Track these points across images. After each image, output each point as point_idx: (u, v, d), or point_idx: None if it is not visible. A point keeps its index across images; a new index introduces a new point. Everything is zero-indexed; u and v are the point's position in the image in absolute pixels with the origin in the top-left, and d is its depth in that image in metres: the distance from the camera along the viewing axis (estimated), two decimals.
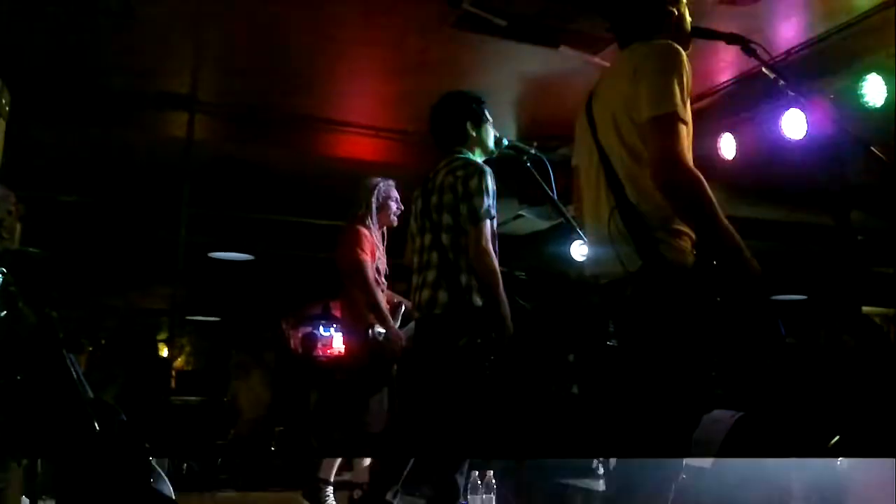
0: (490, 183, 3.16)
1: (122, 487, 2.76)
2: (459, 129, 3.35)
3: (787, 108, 4.44)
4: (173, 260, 5.33)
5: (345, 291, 4.42)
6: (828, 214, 6.53)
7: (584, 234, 2.47)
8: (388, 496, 3.39)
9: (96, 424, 2.69)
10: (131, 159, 6.32)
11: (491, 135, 3.41)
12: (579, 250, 6.17)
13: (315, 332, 9.10)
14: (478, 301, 3.12)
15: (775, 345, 2.09)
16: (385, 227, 4.46)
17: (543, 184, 3.36)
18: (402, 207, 4.38)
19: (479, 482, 3.61)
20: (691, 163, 2.06)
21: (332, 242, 4.64)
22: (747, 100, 4.78)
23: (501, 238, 3.26)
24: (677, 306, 2.04)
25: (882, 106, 4.14)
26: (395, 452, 3.48)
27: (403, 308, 4.33)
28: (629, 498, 2.15)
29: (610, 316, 2.19)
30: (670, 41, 2.22)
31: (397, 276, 4.42)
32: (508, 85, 5.09)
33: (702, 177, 2.02)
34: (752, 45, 2.40)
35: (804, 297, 8.85)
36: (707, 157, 4.88)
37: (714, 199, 2.00)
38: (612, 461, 3.07)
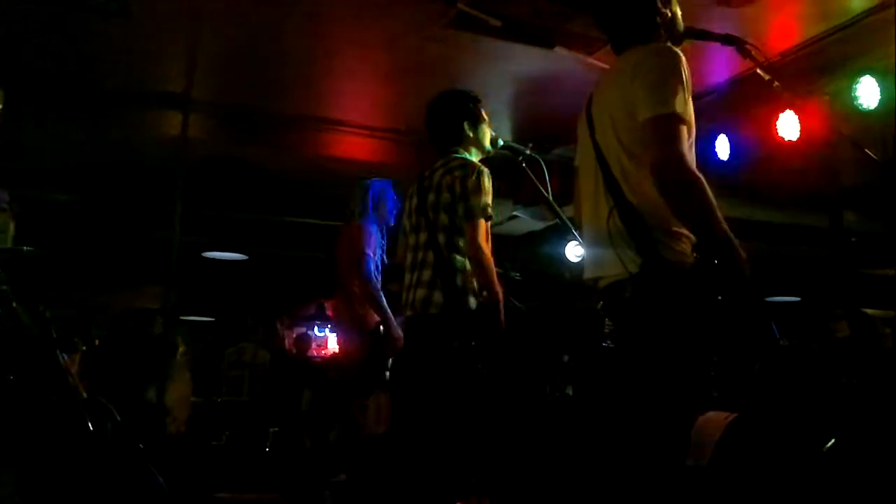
0: (488, 182, 3.16)
1: (117, 487, 2.75)
2: (456, 128, 3.34)
3: (782, 110, 4.46)
4: (167, 259, 5.32)
5: (342, 289, 4.41)
6: (821, 215, 6.55)
7: (581, 235, 2.47)
8: None
9: (90, 424, 2.68)
10: (125, 158, 6.30)
11: (487, 135, 3.41)
12: (574, 251, 6.19)
13: (309, 332, 9.10)
14: (472, 303, 3.12)
15: (769, 347, 2.09)
16: (382, 227, 4.46)
17: (538, 184, 3.36)
18: (399, 207, 4.39)
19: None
20: (692, 164, 2.06)
21: (327, 242, 4.63)
22: (742, 101, 4.79)
23: (496, 238, 3.26)
24: (677, 308, 2.04)
25: (875, 108, 4.15)
26: (389, 454, 3.48)
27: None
28: None
29: (609, 317, 2.19)
30: (671, 45, 2.22)
31: (390, 278, 4.42)
32: (504, 85, 5.09)
33: (702, 179, 2.02)
34: (748, 47, 2.40)
35: (797, 298, 8.88)
36: (702, 157, 4.88)
37: (713, 201, 2.00)
38: None
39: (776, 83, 2.54)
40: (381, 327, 4.15)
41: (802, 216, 7.03)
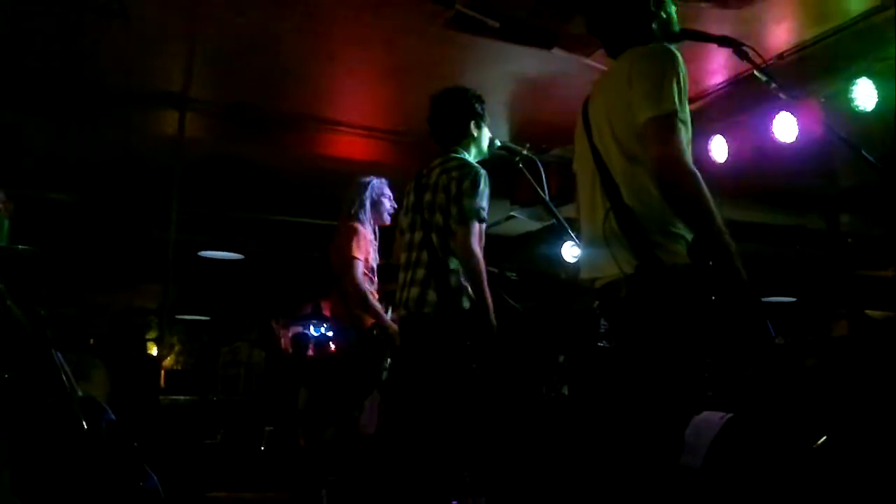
0: (484, 185, 3.16)
1: (111, 486, 2.75)
2: (462, 127, 3.34)
3: (779, 112, 4.46)
4: (163, 258, 5.31)
5: (337, 289, 4.42)
6: (818, 217, 6.56)
7: (579, 236, 2.47)
8: None
9: (84, 423, 2.67)
10: (122, 157, 6.29)
11: (486, 135, 3.41)
12: (571, 251, 6.19)
13: (305, 331, 9.08)
14: (466, 303, 3.12)
15: (765, 347, 2.10)
16: (378, 226, 4.46)
17: (535, 185, 3.36)
18: (396, 206, 4.39)
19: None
20: (690, 162, 2.07)
21: (323, 242, 4.63)
22: (739, 103, 4.80)
23: (493, 239, 3.26)
24: (671, 308, 2.05)
25: (872, 110, 4.16)
26: (385, 453, 3.48)
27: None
28: None
29: (604, 317, 2.19)
30: (668, 45, 2.23)
31: (386, 278, 4.42)
32: (501, 86, 5.08)
33: (700, 178, 2.02)
34: (744, 48, 2.41)
35: (794, 299, 8.89)
36: (698, 159, 4.89)
37: (711, 202, 2.01)
38: None
39: (773, 85, 2.54)
40: (375, 330, 4.15)
41: (799, 218, 7.03)
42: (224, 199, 7.20)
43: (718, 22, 3.89)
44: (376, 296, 4.28)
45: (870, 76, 4.17)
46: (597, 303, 2.24)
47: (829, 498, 3.34)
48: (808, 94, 4.21)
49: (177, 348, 10.06)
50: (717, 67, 4.70)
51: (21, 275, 2.76)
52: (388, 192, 4.48)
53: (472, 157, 3.35)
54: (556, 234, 6.00)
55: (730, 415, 3.80)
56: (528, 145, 3.47)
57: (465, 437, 3.20)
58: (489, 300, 3.11)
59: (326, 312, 8.61)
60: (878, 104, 4.16)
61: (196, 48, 4.76)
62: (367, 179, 4.48)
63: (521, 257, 7.58)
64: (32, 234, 3.30)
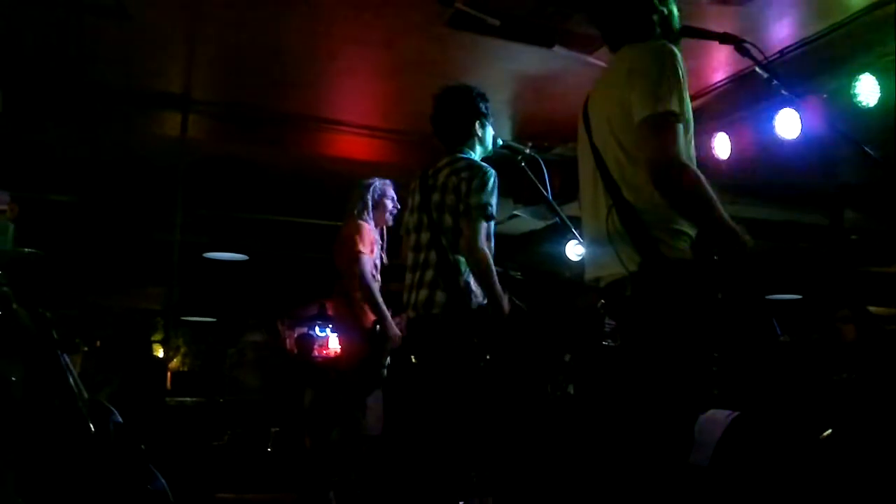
0: (493, 184, 3.15)
1: (118, 488, 2.75)
2: (467, 126, 3.33)
3: (781, 108, 4.45)
4: (168, 260, 5.32)
5: (340, 288, 4.42)
6: (821, 213, 6.55)
7: (582, 234, 2.47)
8: None
9: (91, 426, 2.68)
10: (125, 159, 6.30)
11: (490, 134, 3.41)
12: (574, 250, 6.19)
13: (311, 332, 9.10)
14: (475, 304, 3.12)
15: (771, 344, 2.10)
16: (381, 226, 4.46)
17: (538, 183, 3.36)
18: (399, 206, 4.39)
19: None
20: (689, 160, 2.06)
21: (327, 242, 4.63)
22: (741, 99, 4.79)
23: (496, 238, 3.26)
24: (676, 305, 2.04)
25: (875, 105, 4.15)
26: (391, 453, 3.48)
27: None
28: None
29: (610, 316, 2.19)
30: (666, 42, 2.22)
31: (391, 277, 4.42)
32: (503, 84, 5.08)
33: (700, 174, 2.02)
34: (746, 45, 2.40)
35: (798, 296, 8.87)
36: (701, 156, 4.88)
37: (713, 196, 2.00)
38: None
39: (775, 81, 2.54)
40: (377, 326, 4.15)
41: (802, 214, 7.02)
42: (228, 200, 7.21)
43: (720, 18, 3.89)
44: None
45: (872, 72, 4.16)
46: (602, 301, 2.24)
47: (836, 495, 3.34)
48: (811, 91, 4.21)
49: (182, 350, 10.08)
50: (719, 64, 4.70)
51: (26, 277, 2.77)
52: (391, 193, 4.48)
53: (476, 156, 3.34)
54: (560, 233, 5.99)
55: (736, 413, 3.81)
56: (530, 144, 3.47)
57: (473, 436, 3.20)
58: (500, 294, 3.11)
59: (330, 313, 8.62)
60: (880, 100, 4.15)
61: (198, 49, 4.77)
62: (370, 181, 4.49)
63: (525, 256, 7.58)
64: (36, 236, 3.31)
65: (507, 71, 4.87)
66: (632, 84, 2.13)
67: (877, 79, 4.16)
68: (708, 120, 4.94)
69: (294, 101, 5.48)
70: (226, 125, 5.71)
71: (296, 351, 8.85)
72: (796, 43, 4.32)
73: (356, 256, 4.19)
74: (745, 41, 2.39)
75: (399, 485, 3.51)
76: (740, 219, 2.06)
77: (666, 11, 2.34)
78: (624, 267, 2.10)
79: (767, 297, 2.07)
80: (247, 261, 9.03)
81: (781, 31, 4.28)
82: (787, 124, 4.47)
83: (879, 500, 3.26)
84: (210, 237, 8.14)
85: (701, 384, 2.13)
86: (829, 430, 3.52)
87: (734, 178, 5.16)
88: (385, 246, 4.45)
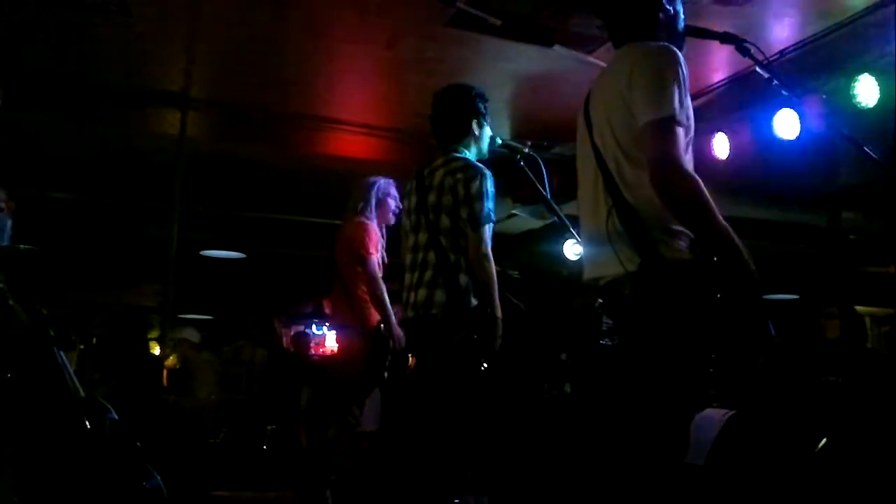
0: (490, 186, 3.15)
1: (114, 486, 2.75)
2: (464, 125, 3.32)
3: (780, 108, 4.45)
4: (165, 258, 5.32)
5: (341, 286, 4.41)
6: (819, 214, 6.56)
7: (580, 233, 2.47)
8: None
9: (87, 423, 2.68)
10: (123, 156, 6.30)
11: (488, 134, 3.40)
12: (572, 249, 6.19)
13: (307, 330, 9.08)
14: (474, 301, 3.12)
15: (766, 344, 2.09)
16: (384, 225, 4.46)
17: (537, 183, 3.36)
18: (401, 205, 4.39)
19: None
20: (689, 166, 2.06)
21: (325, 240, 4.62)
22: (740, 99, 4.79)
23: (495, 237, 3.25)
24: (674, 305, 2.04)
25: (874, 106, 4.15)
26: (388, 452, 3.48)
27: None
28: None
29: (608, 315, 2.18)
30: (667, 43, 2.22)
31: (389, 276, 4.42)
32: (503, 84, 5.08)
33: (699, 180, 2.02)
34: (746, 45, 2.40)
35: (795, 296, 8.88)
36: (700, 156, 4.88)
37: (711, 203, 2.00)
38: None
39: (775, 81, 2.53)
40: (382, 326, 4.15)
41: (800, 214, 7.03)
42: (226, 198, 7.20)
43: (720, 18, 3.89)
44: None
45: (871, 72, 4.16)
46: (600, 301, 2.24)
47: (831, 494, 3.34)
48: (810, 91, 4.21)
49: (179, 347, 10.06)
50: (719, 64, 4.70)
51: (23, 274, 2.76)
52: (393, 192, 4.47)
53: (472, 155, 3.33)
54: (558, 232, 5.99)
55: (732, 412, 3.81)
56: (529, 143, 3.47)
57: (470, 435, 3.20)
58: (498, 309, 3.12)
59: (327, 311, 8.61)
60: (879, 100, 4.15)
61: (197, 47, 4.77)
62: (374, 179, 4.48)
63: (523, 255, 7.58)
64: (34, 233, 3.30)
65: (507, 70, 4.87)
66: (633, 86, 2.12)
67: (876, 79, 4.16)
68: (707, 120, 4.94)
69: (293, 99, 5.47)
70: (224, 123, 5.71)
71: (292, 349, 8.83)
72: (796, 43, 4.32)
73: (366, 258, 4.18)
74: (745, 41, 2.38)
75: (395, 482, 3.50)
76: (739, 219, 2.06)
77: (672, 11, 2.33)
78: (623, 267, 2.10)
79: (764, 297, 2.06)
80: (244, 259, 9.03)
81: (781, 32, 4.28)
82: (786, 124, 4.47)
83: (873, 498, 3.27)
84: (208, 235, 8.13)
85: (697, 384, 2.13)
86: (824, 441, 3.53)
87: (733, 178, 5.16)
88: (385, 245, 4.45)
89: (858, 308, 5.46)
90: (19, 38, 4.54)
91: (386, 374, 4.23)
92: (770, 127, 4.54)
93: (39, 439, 2.66)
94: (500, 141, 3.47)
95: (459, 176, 3.16)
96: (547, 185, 3.37)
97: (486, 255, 3.10)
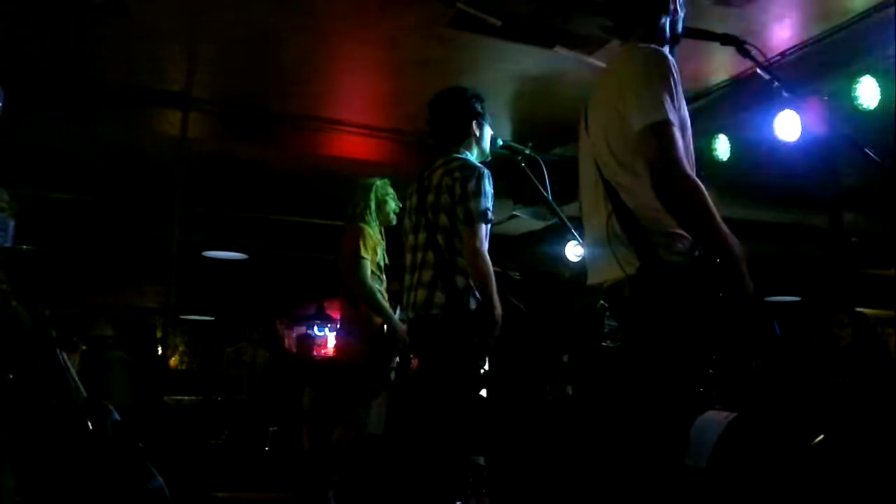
0: (488, 185, 3.15)
1: (116, 487, 2.75)
2: (462, 126, 3.33)
3: (782, 110, 4.45)
4: (167, 259, 5.32)
5: (345, 289, 4.42)
6: (821, 216, 6.56)
7: (582, 235, 2.47)
8: None
9: (90, 424, 2.68)
10: (125, 157, 6.30)
11: (488, 135, 3.40)
12: (573, 250, 6.19)
13: (310, 332, 9.09)
14: (473, 303, 3.12)
15: (770, 346, 2.10)
16: (384, 226, 4.47)
17: (538, 184, 3.36)
18: (401, 205, 4.39)
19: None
20: (688, 169, 2.06)
21: (327, 242, 4.63)
22: (742, 101, 4.79)
23: (496, 238, 3.26)
24: (674, 308, 2.04)
25: (876, 108, 4.15)
26: (390, 454, 3.48)
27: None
28: None
29: (609, 318, 2.19)
30: (656, 47, 2.22)
31: (390, 277, 4.43)
32: (503, 85, 5.08)
33: (699, 183, 2.02)
34: (747, 47, 2.40)
35: (797, 298, 8.88)
36: (701, 158, 4.89)
37: (712, 206, 2.00)
38: None
39: (776, 83, 2.53)
40: (385, 328, 4.16)
41: (802, 216, 7.03)
42: (227, 199, 7.21)
43: (721, 20, 3.89)
44: (385, 295, 4.29)
45: (873, 74, 4.16)
46: (602, 303, 2.24)
47: (833, 497, 3.34)
48: (812, 92, 4.21)
49: (181, 349, 10.08)
50: (720, 66, 4.70)
51: (25, 275, 2.76)
52: (392, 192, 4.48)
53: (474, 156, 3.33)
54: (559, 234, 5.99)
55: (734, 414, 3.81)
56: (530, 144, 3.47)
57: (472, 437, 3.20)
58: (497, 304, 3.10)
59: (330, 312, 8.62)
60: (881, 102, 4.15)
61: (198, 48, 4.77)
62: (371, 181, 4.49)
63: (524, 257, 7.58)
64: (36, 234, 3.30)
65: (508, 71, 4.87)
66: (624, 93, 2.13)
67: (877, 81, 4.16)
68: (708, 121, 4.94)
69: (294, 100, 5.47)
70: (226, 124, 5.71)
71: (295, 350, 8.84)
72: (797, 45, 4.32)
73: (357, 262, 4.19)
74: (746, 42, 2.38)
75: (397, 484, 3.51)
76: (740, 220, 2.06)
77: (674, 16, 2.34)
78: (622, 270, 2.10)
79: (767, 299, 2.07)
80: (246, 260, 9.03)
81: (782, 33, 4.28)
82: (788, 126, 4.47)
83: (875, 501, 3.26)
84: (209, 236, 8.14)
85: (696, 386, 2.14)
86: (821, 437, 3.52)
87: (734, 179, 5.16)
88: (385, 247, 4.45)
89: (861, 311, 5.45)
90: (20, 39, 4.54)
91: (392, 377, 4.23)
92: (771, 129, 4.54)
93: (42, 440, 2.66)
94: (501, 142, 3.47)
95: (457, 175, 3.17)
96: (548, 186, 3.38)
97: (479, 253, 3.07)
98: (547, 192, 3.36)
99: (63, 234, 7.10)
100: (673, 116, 2.06)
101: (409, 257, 3.33)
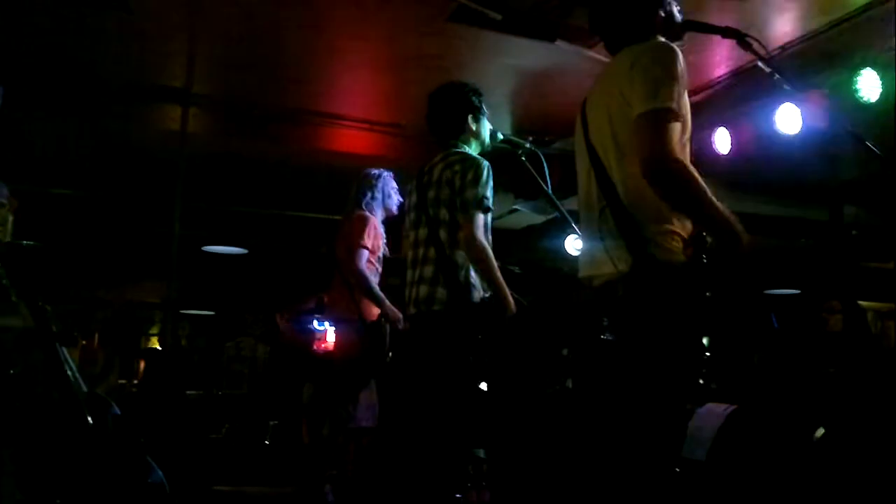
0: (486, 175, 3.13)
1: (117, 481, 2.76)
2: (460, 121, 3.32)
3: (782, 103, 4.45)
4: (167, 253, 5.32)
5: (340, 279, 4.42)
6: (821, 209, 6.55)
7: (579, 232, 2.48)
8: None
9: (90, 418, 2.68)
10: (125, 152, 6.30)
11: (487, 128, 3.40)
12: (574, 244, 6.19)
13: (310, 326, 9.08)
14: (476, 298, 3.11)
15: (768, 339, 2.10)
16: (387, 217, 4.47)
17: (538, 178, 3.35)
18: (402, 198, 4.39)
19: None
20: (682, 157, 2.06)
21: (327, 236, 4.63)
22: (742, 94, 4.79)
23: (496, 232, 3.25)
24: (667, 305, 2.05)
25: (877, 101, 4.15)
26: (388, 447, 3.48)
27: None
28: None
29: (604, 315, 2.19)
30: (665, 40, 2.22)
31: (390, 272, 4.43)
32: (504, 79, 5.08)
33: (692, 168, 2.01)
34: (748, 40, 2.39)
35: (797, 291, 8.88)
36: (702, 151, 4.89)
37: (707, 190, 2.00)
38: None
39: (777, 76, 2.53)
40: (383, 319, 4.15)
41: (802, 209, 7.03)
42: (227, 194, 7.21)
43: (721, 13, 3.88)
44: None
45: (874, 67, 4.16)
46: (595, 301, 2.25)
47: (833, 489, 3.35)
48: (812, 86, 4.21)
49: (182, 343, 10.08)
50: (721, 59, 4.69)
51: (25, 270, 2.76)
52: (394, 184, 4.49)
53: (473, 150, 3.33)
54: (560, 227, 5.99)
55: (733, 407, 3.81)
56: (530, 138, 3.47)
57: (472, 430, 3.20)
58: (503, 287, 3.09)
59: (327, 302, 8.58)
60: (882, 95, 4.15)
61: (199, 43, 4.76)
62: (376, 171, 4.49)
63: (525, 251, 7.58)
64: (36, 229, 3.30)
65: (508, 65, 4.86)
66: (632, 80, 2.13)
67: (878, 74, 4.16)
68: (709, 114, 4.93)
69: (294, 95, 5.47)
70: (226, 119, 5.71)
71: (295, 345, 8.83)
72: (798, 38, 4.31)
73: (356, 250, 4.19)
74: (747, 35, 2.38)
75: (397, 478, 3.51)
76: (740, 213, 2.06)
77: (664, 13, 2.33)
78: (615, 267, 2.11)
79: (764, 291, 2.07)
80: (246, 254, 9.04)
81: (783, 26, 4.27)
82: (788, 119, 4.46)
83: (875, 494, 3.27)
84: (209, 231, 8.14)
85: (689, 382, 2.14)
86: (822, 431, 3.52)
87: (734, 173, 5.16)
88: (387, 239, 4.45)
89: (861, 303, 5.46)
90: (21, 36, 4.54)
91: (382, 369, 4.23)
92: (772, 122, 4.54)
93: (43, 435, 2.67)
94: (501, 136, 3.47)
95: (457, 168, 3.16)
96: (548, 180, 3.37)
97: (476, 239, 3.05)
98: (547, 185, 3.36)
99: (64, 229, 7.10)
100: (676, 107, 2.06)
101: (410, 253, 3.33)
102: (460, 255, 3.13)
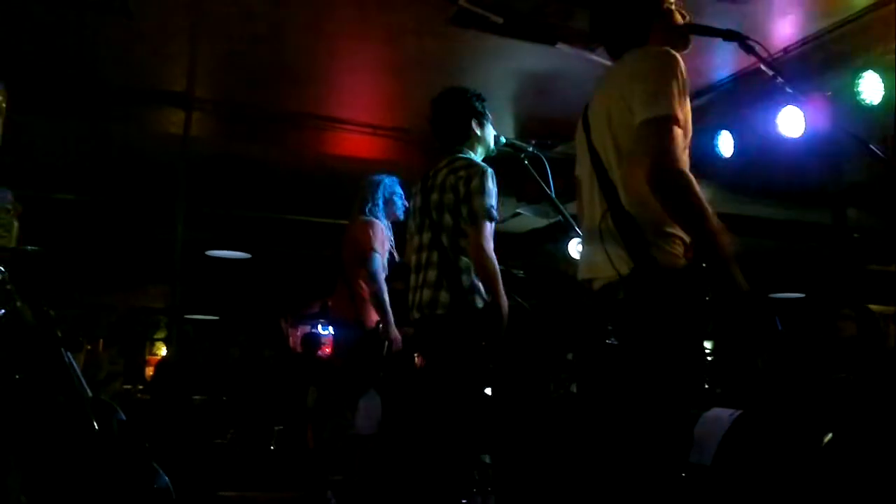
0: (492, 183, 3.14)
1: (122, 486, 2.76)
2: (463, 126, 3.32)
3: (785, 106, 4.45)
4: (171, 258, 5.33)
5: (343, 284, 4.41)
6: (825, 212, 6.54)
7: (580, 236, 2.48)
8: None
9: (95, 423, 2.68)
10: (128, 157, 6.31)
11: (491, 133, 3.40)
12: (577, 248, 6.19)
13: (314, 331, 9.10)
14: (479, 302, 3.12)
15: (773, 342, 2.09)
16: (392, 222, 4.47)
17: (541, 182, 3.35)
18: (407, 203, 4.40)
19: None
20: (684, 166, 2.06)
21: (330, 240, 4.63)
22: (745, 97, 4.78)
23: (499, 236, 3.24)
24: (669, 310, 2.05)
25: (879, 103, 4.14)
26: (392, 453, 3.48)
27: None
28: None
29: (604, 319, 2.19)
30: (667, 47, 2.22)
31: (394, 276, 4.42)
32: (506, 82, 5.08)
33: (692, 181, 2.02)
34: (750, 42, 2.39)
35: (801, 295, 8.87)
36: (704, 154, 4.89)
37: (705, 204, 2.00)
38: None
39: (779, 79, 2.53)
40: (380, 327, 4.14)
41: (805, 212, 7.02)
42: (230, 198, 7.21)
43: (723, 16, 3.88)
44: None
45: (876, 69, 4.15)
46: (596, 305, 2.25)
47: (839, 495, 3.34)
48: (815, 88, 4.20)
49: (189, 347, 10.09)
50: (723, 62, 4.69)
51: (30, 275, 2.77)
52: (399, 189, 4.49)
53: (477, 155, 3.34)
54: (563, 231, 5.97)
55: (739, 412, 3.80)
56: (533, 142, 3.46)
57: (477, 436, 3.20)
58: (504, 301, 3.10)
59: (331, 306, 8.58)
60: (884, 97, 4.14)
61: (200, 47, 4.77)
62: (379, 177, 4.49)
63: (528, 254, 7.57)
64: (40, 234, 3.31)
65: (510, 69, 4.87)
66: (633, 86, 2.13)
67: (880, 76, 4.15)
68: (711, 117, 4.93)
69: (297, 98, 5.48)
70: (228, 123, 5.72)
71: (300, 349, 8.85)
72: (800, 40, 4.32)
73: (369, 254, 4.18)
74: (749, 38, 2.38)
75: (402, 483, 3.51)
76: (743, 216, 2.06)
77: (663, 21, 2.34)
78: (616, 270, 2.11)
79: (769, 295, 2.07)
80: (249, 259, 9.04)
81: (785, 29, 4.27)
82: (791, 122, 4.46)
83: (882, 499, 3.26)
84: (213, 235, 8.15)
85: (692, 386, 2.14)
86: (831, 436, 3.52)
87: (737, 176, 5.16)
88: (394, 243, 4.45)
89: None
90: (22, 39, 4.55)
91: (381, 375, 4.23)
92: (774, 125, 4.53)
93: (47, 440, 2.67)
94: (503, 140, 3.47)
95: (462, 174, 3.16)
96: (551, 183, 3.37)
97: (484, 250, 3.07)
98: (550, 189, 3.36)
99: (67, 234, 7.11)
100: (677, 113, 2.07)
101: (413, 257, 3.33)
102: (463, 260, 3.13)
